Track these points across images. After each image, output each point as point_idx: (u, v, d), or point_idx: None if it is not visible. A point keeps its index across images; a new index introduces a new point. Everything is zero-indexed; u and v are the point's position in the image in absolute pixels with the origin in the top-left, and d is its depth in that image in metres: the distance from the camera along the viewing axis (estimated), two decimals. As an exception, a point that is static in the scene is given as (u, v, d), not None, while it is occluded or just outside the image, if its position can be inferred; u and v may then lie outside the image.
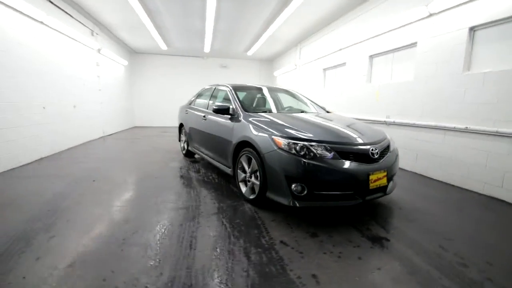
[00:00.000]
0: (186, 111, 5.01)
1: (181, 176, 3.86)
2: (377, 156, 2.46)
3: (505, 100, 3.07)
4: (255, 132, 2.73)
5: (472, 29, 3.45)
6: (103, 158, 5.03)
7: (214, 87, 4.39)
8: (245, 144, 2.88)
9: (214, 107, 3.39)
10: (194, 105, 4.87)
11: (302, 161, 2.27)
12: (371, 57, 5.47)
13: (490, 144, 3.22)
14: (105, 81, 8.17)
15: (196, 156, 5.20)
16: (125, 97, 10.39)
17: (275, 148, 2.42)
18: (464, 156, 3.53)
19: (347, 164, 2.32)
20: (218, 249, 1.94)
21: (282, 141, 2.40)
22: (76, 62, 6.23)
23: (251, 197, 2.79)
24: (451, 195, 3.33)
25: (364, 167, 2.36)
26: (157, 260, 1.78)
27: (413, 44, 4.38)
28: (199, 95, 4.97)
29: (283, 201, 2.36)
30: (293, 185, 2.30)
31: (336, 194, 2.32)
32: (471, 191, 3.41)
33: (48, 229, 2.17)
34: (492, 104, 3.19)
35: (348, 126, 2.88)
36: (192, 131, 4.66)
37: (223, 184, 3.54)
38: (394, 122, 4.70)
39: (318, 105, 4.08)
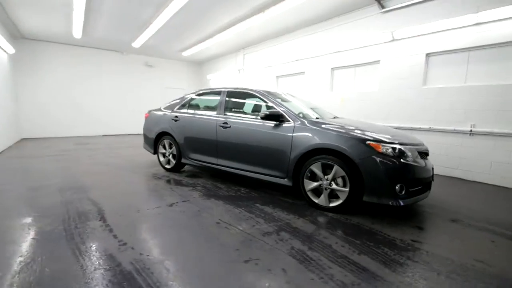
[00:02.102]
0: (175, 118, 4.17)
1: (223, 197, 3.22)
2: None
3: (456, 107, 4.34)
4: (339, 139, 2.69)
5: (428, 55, 4.67)
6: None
7: (223, 90, 3.87)
8: (318, 152, 2.79)
9: (264, 114, 3.07)
10: (190, 111, 4.11)
11: (403, 163, 2.47)
12: (333, 69, 6.30)
13: (449, 139, 4.46)
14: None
15: (186, 166, 4.41)
16: (8, 98, 7.29)
17: (373, 152, 2.50)
18: (430, 148, 4.70)
19: (424, 162, 2.70)
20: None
21: (381, 146, 2.51)
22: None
23: (333, 204, 2.73)
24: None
25: (430, 163, 2.82)
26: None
27: (377, 62, 5.41)
28: (191, 100, 4.24)
29: (386, 202, 2.47)
30: (396, 186, 2.46)
31: (420, 189, 2.65)
32: (437, 175, 4.59)
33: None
34: (447, 110, 4.44)
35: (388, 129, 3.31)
36: (193, 141, 3.93)
37: (265, 196, 3.23)
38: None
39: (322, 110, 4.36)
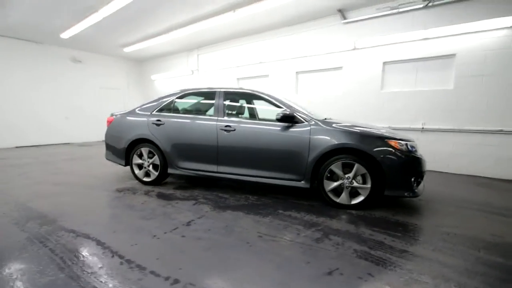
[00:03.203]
0: (158, 122, 3.58)
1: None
2: None
3: (409, 108, 5.12)
4: (360, 138, 2.78)
5: (385, 63, 5.37)
6: None
7: (218, 90, 3.52)
8: (336, 152, 2.83)
9: (281, 116, 2.93)
10: (177, 115, 3.59)
11: (415, 157, 2.74)
12: (298, 73, 6.59)
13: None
14: None
15: (168, 178, 3.84)
16: None
17: (392, 149, 2.69)
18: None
19: (422, 155, 3.07)
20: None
21: (398, 143, 2.73)
22: None
23: (354, 202, 2.82)
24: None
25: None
26: None
27: (340, 68, 5.92)
28: (174, 101, 3.72)
29: (403, 194, 2.69)
30: (412, 179, 2.71)
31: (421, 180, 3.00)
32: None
33: None
34: (402, 111, 5.20)
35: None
36: (184, 148, 3.45)
37: (279, 202, 3.11)
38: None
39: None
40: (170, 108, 3.73)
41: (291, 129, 3.01)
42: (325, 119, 3.25)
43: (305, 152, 2.92)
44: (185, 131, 3.45)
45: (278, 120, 2.99)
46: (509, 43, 4.13)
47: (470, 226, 2.49)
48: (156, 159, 3.61)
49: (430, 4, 4.67)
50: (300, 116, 3.05)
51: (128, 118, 3.86)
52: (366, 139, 2.78)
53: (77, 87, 9.02)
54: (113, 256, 1.85)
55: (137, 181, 3.88)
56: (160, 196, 3.27)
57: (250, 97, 3.54)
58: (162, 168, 3.59)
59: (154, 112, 3.72)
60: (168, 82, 9.90)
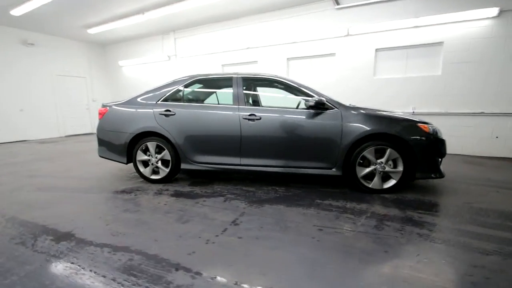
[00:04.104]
0: (168, 112, 3.17)
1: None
2: None
3: (400, 94, 5.39)
4: (393, 124, 2.80)
5: (377, 50, 5.52)
6: None
7: (235, 76, 3.22)
8: (369, 138, 2.82)
9: (314, 102, 2.81)
10: (189, 104, 3.22)
11: (441, 139, 2.86)
12: (289, 59, 6.46)
13: (398, 120, 5.50)
14: None
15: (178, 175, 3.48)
16: None
17: (423, 133, 2.76)
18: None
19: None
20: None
21: (428, 126, 2.80)
22: None
23: (386, 186, 2.86)
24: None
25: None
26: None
27: (333, 54, 5.94)
28: (184, 89, 3.32)
29: (433, 175, 2.80)
30: (439, 160, 2.84)
31: (440, 160, 3.16)
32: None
33: None
34: (394, 96, 5.45)
35: None
36: (201, 140, 3.13)
37: (315, 192, 3.03)
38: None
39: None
40: (179, 96, 3.34)
41: (322, 116, 2.91)
42: (350, 105, 3.21)
43: (338, 139, 2.86)
44: (201, 122, 3.12)
45: (311, 107, 2.86)
46: (491, 33, 4.53)
47: (493, 200, 2.71)
48: (166, 154, 3.23)
49: (421, -8, 4.88)
50: (329, 102, 2.95)
51: (127, 109, 3.36)
52: (398, 124, 2.81)
53: (30, 74, 7.68)
54: (177, 270, 1.58)
55: (141, 180, 3.46)
56: (180, 194, 2.94)
57: (270, 83, 3.32)
58: (174, 164, 3.23)
59: (160, 102, 3.29)
60: (139, 69, 8.99)
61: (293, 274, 1.54)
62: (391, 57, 5.46)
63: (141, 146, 3.28)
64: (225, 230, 2.09)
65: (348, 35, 5.66)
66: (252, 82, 3.34)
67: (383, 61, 5.55)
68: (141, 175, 3.37)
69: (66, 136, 8.47)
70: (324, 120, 2.90)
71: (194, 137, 3.15)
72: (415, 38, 5.11)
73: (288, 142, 2.97)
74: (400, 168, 2.81)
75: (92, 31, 7.39)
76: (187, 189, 3.14)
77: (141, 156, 3.32)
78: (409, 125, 2.80)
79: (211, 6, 5.87)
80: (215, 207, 2.58)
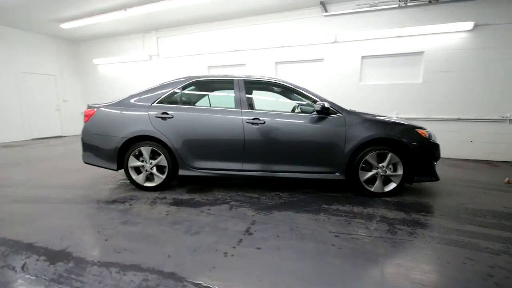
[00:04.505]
0: (165, 115, 2.98)
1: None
2: None
3: (385, 100, 5.63)
4: (395, 129, 2.88)
5: (363, 57, 5.72)
6: None
7: (236, 78, 3.12)
8: (371, 143, 2.88)
9: (320, 107, 2.80)
10: (187, 106, 3.05)
11: (436, 144, 3.00)
12: (277, 63, 6.48)
13: (383, 125, 5.73)
14: None
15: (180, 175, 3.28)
16: None
17: (421, 138, 2.88)
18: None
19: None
20: None
21: (425, 132, 2.92)
22: None
23: (387, 189, 2.93)
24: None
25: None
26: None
27: (321, 60, 6.05)
28: (182, 91, 3.15)
29: (431, 179, 2.93)
30: (435, 163, 2.97)
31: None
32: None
33: None
34: (379, 102, 5.68)
35: None
36: (201, 144, 2.98)
37: (313, 197, 3.02)
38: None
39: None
40: (176, 98, 3.15)
41: (326, 121, 2.92)
42: (350, 110, 3.26)
43: (342, 143, 2.88)
44: (202, 126, 2.97)
45: (318, 111, 2.85)
46: (467, 45, 4.91)
47: (483, 201, 2.89)
48: (162, 160, 3.02)
49: (403, 4, 5.16)
50: (333, 107, 2.97)
51: (118, 111, 3.10)
52: (399, 129, 2.90)
53: (-10, 71, 6.88)
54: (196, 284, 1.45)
55: (132, 187, 3.21)
56: (180, 203, 2.76)
57: (273, 86, 3.26)
58: (171, 170, 3.04)
59: (155, 104, 3.08)
60: (117, 68, 8.47)
61: (329, 286, 1.49)
62: (376, 64, 5.70)
63: (134, 151, 3.04)
64: (240, 241, 1.98)
65: (336, 41, 5.82)
66: (255, 85, 3.27)
67: (368, 68, 5.77)
68: (133, 182, 3.12)
69: (32, 140, 7.68)
70: (328, 125, 2.91)
71: (194, 141, 2.99)
72: (398, 47, 5.38)
73: (292, 147, 2.93)
74: (400, 171, 2.89)
75: (65, 26, 6.81)
76: (186, 196, 2.96)
77: (133, 162, 3.07)
78: (409, 130, 2.91)
79: (197, 6, 5.71)
80: (222, 215, 2.45)
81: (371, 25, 5.47)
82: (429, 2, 5.00)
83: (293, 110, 3.50)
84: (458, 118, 5.11)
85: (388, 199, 2.91)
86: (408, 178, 2.93)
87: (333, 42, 5.84)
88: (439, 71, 5.16)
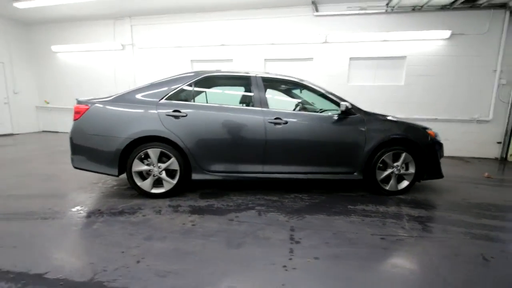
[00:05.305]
0: (178, 113, 2.66)
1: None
2: None
3: (371, 100, 5.89)
4: (410, 129, 2.99)
5: (351, 59, 5.91)
6: None
7: (253, 75, 2.93)
8: (387, 143, 2.95)
9: (345, 108, 2.78)
10: (202, 104, 2.76)
11: (441, 144, 3.20)
12: (266, 60, 6.35)
13: (368, 124, 6.00)
14: None
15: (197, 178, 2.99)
16: None
17: (431, 138, 3.04)
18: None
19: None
20: None
21: (434, 132, 3.09)
22: None
23: (401, 187, 3.05)
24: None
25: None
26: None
27: (310, 59, 6.09)
28: (194, 87, 2.85)
29: (439, 177, 3.11)
30: (440, 162, 3.17)
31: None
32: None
33: None
34: (366, 102, 5.91)
35: None
36: (219, 146, 2.74)
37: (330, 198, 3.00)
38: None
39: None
40: (187, 95, 2.85)
41: (347, 121, 2.91)
42: (366, 110, 3.31)
43: (362, 143, 2.90)
44: (220, 125, 2.73)
45: (343, 112, 2.82)
46: (444, 52, 5.37)
47: (479, 195, 3.17)
48: (173, 163, 2.71)
49: (390, 10, 5.44)
50: (352, 108, 2.97)
51: (119, 107, 2.68)
52: (414, 130, 3.03)
53: None
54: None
55: (134, 194, 2.83)
56: (200, 211, 2.50)
57: (292, 85, 3.14)
58: (182, 174, 2.74)
59: (163, 100, 2.74)
60: (82, 57, 7.48)
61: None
62: (363, 66, 5.94)
63: (139, 154, 2.67)
64: (291, 251, 1.85)
65: (326, 42, 5.90)
66: (274, 83, 3.11)
67: (356, 70, 5.98)
68: (138, 189, 2.74)
69: (-26, 139, 6.40)
70: (350, 125, 2.91)
71: (210, 142, 2.73)
72: (384, 51, 5.67)
73: (315, 148, 2.87)
74: (412, 170, 3.02)
75: (20, 5, 5.74)
76: (202, 203, 2.70)
77: (138, 166, 2.69)
78: (421, 130, 3.05)
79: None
80: (255, 223, 2.27)
81: (359, 28, 5.66)
82: (413, 9, 5.35)
83: (294, 109, 3.42)
84: (436, 118, 5.60)
85: (402, 197, 3.03)
86: (418, 176, 3.09)
87: (323, 42, 5.92)
88: (419, 75, 5.58)
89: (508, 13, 5.04)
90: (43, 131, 8.03)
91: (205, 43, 6.50)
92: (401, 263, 1.75)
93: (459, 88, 5.44)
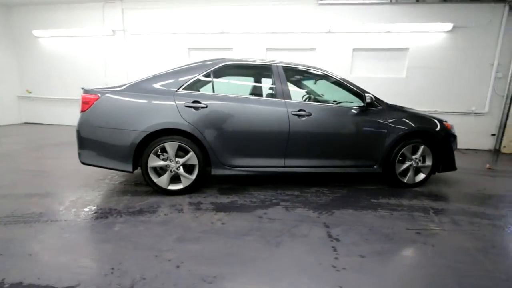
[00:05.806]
0: (198, 105, 2.48)
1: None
2: None
3: (376, 92, 5.83)
4: (429, 122, 2.99)
5: (354, 50, 5.84)
6: None
7: (273, 64, 2.78)
8: (407, 136, 2.93)
9: (370, 100, 2.73)
10: (223, 95, 2.60)
11: (456, 136, 3.22)
12: (268, 49, 6.15)
13: (370, 116, 6.03)
14: None
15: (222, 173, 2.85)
16: None
17: (447, 131, 3.06)
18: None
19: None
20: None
21: (450, 125, 3.10)
22: None
23: (418, 180, 3.06)
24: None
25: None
26: None
27: (313, 49, 5.97)
28: (213, 75, 2.66)
29: (453, 169, 3.15)
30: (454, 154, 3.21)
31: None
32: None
33: None
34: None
35: None
36: (242, 139, 2.61)
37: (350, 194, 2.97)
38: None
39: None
40: (206, 85, 2.66)
41: (370, 114, 2.86)
42: (387, 102, 3.26)
43: (383, 136, 2.87)
44: (243, 117, 2.58)
45: (368, 104, 2.75)
46: (446, 44, 5.43)
47: (488, 186, 3.26)
48: (192, 158, 2.54)
49: (394, 1, 5.40)
50: (375, 100, 2.91)
51: (134, 98, 2.46)
52: (433, 122, 3.02)
53: None
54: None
55: (147, 191, 2.66)
56: (224, 208, 2.38)
57: (313, 75, 3.02)
58: (202, 169, 2.59)
59: (181, 90, 2.54)
60: (68, 43, 6.93)
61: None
62: (366, 57, 5.90)
63: (155, 148, 2.48)
64: (335, 249, 1.78)
65: (329, 32, 5.79)
66: (295, 73, 2.99)
67: (359, 61, 5.94)
68: (154, 185, 2.56)
69: None
70: (373, 117, 2.85)
71: (232, 135, 2.58)
72: (387, 42, 5.65)
73: (338, 141, 2.80)
74: (429, 163, 3.04)
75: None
76: (223, 199, 2.57)
77: (155, 162, 2.51)
78: (440, 123, 3.06)
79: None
80: (286, 219, 2.19)
81: (364, 18, 5.59)
82: (417, 1, 5.33)
83: (307, 100, 3.32)
84: (436, 111, 5.70)
85: (418, 189, 3.05)
86: (434, 169, 3.11)
87: (327, 32, 5.80)
88: (421, 67, 5.63)
89: (507, 7, 5.15)
90: (25, 123, 7.46)
91: (204, 30, 6.19)
92: (448, 257, 1.73)
93: (458, 81, 5.55)
